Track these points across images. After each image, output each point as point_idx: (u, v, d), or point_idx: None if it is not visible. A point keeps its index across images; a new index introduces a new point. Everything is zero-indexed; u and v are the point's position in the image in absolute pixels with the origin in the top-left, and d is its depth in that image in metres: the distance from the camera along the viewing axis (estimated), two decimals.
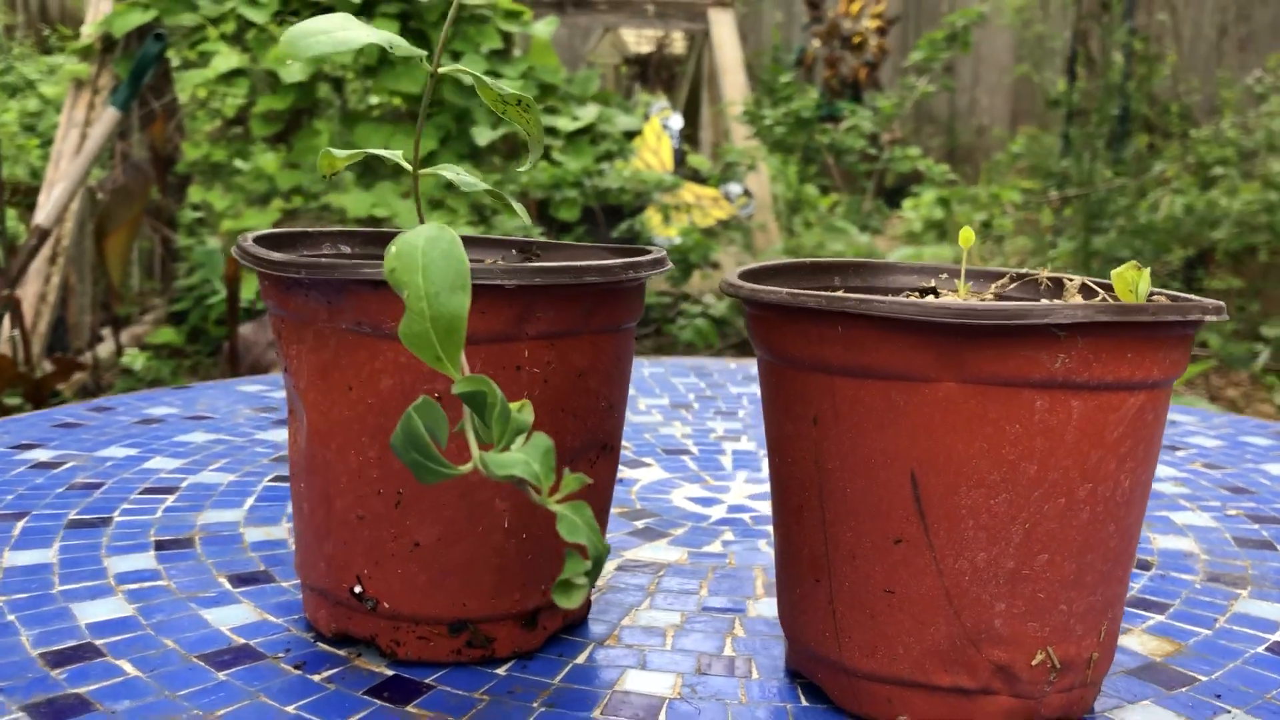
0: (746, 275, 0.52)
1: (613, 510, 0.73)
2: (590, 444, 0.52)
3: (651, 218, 3.63)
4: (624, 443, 0.89)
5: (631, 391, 1.06)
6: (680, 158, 4.31)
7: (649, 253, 0.54)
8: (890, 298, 0.43)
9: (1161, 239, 3.85)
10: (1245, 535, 0.72)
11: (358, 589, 0.50)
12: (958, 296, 0.53)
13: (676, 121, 4.43)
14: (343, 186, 3.77)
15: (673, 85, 5.47)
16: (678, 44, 5.54)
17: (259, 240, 0.54)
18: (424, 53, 0.49)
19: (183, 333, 3.36)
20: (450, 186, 3.63)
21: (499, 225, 3.28)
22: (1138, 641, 0.56)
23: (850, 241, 3.41)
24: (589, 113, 3.79)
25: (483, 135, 3.49)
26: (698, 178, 4.16)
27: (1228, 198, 3.80)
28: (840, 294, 0.44)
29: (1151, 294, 0.50)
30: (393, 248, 0.39)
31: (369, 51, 3.60)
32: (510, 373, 0.48)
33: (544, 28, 3.85)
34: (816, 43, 5.52)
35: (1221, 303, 0.45)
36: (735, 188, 3.95)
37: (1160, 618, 0.59)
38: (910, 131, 5.71)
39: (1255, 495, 0.80)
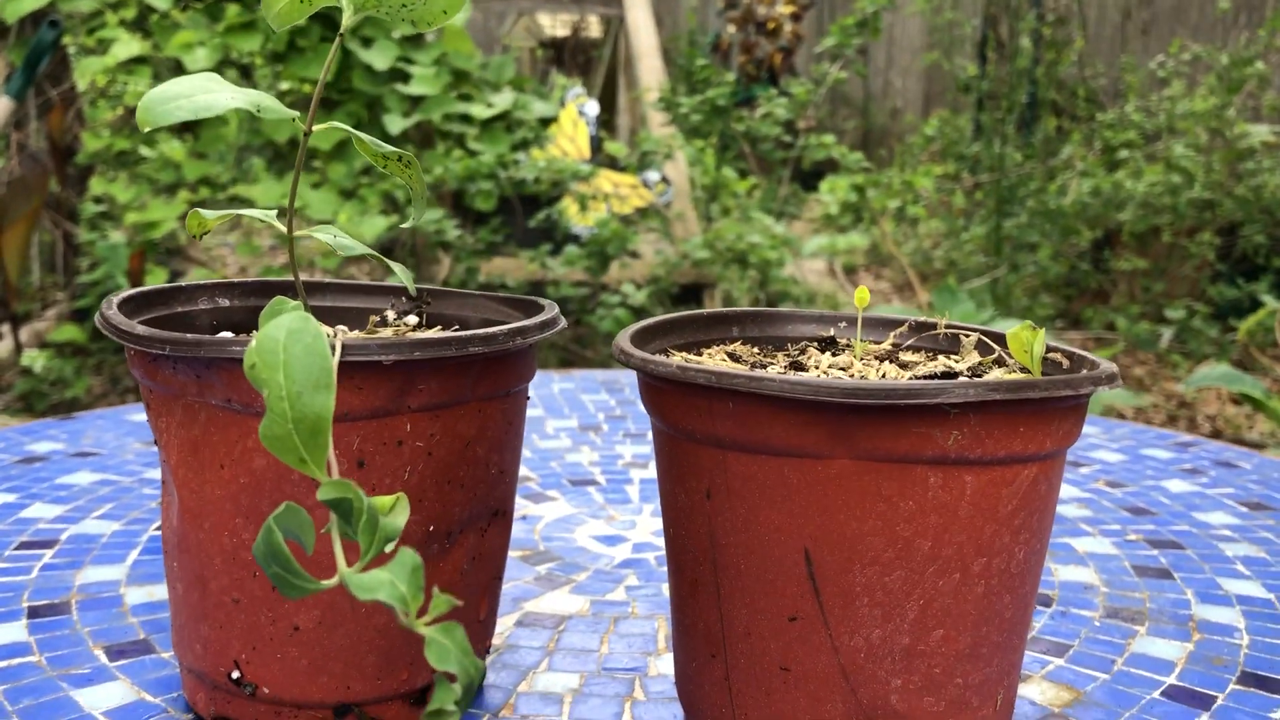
0: (638, 336, 0.50)
1: (515, 554, 0.71)
2: (480, 513, 0.50)
3: (569, 207, 3.60)
4: (530, 473, 0.87)
5: (539, 413, 1.04)
6: (597, 144, 4.27)
7: (540, 310, 0.53)
8: (780, 374, 0.42)
9: (1069, 222, 3.92)
10: (1144, 563, 0.72)
11: (236, 674, 0.48)
12: (853, 355, 0.52)
13: (592, 108, 4.39)
14: (253, 176, 3.68)
15: (589, 69, 5.42)
16: (594, 28, 5.49)
17: (125, 303, 0.51)
18: (295, 114, 0.46)
19: (86, 330, 3.25)
20: (366, 172, 3.56)
21: (413, 216, 3.22)
22: (1038, 690, 0.56)
23: (766, 230, 3.40)
24: (504, 99, 3.74)
25: (395, 124, 3.44)
26: (615, 165, 4.13)
27: (1132, 180, 3.88)
28: (730, 370, 0.43)
29: (1048, 350, 0.50)
30: (254, 341, 0.37)
31: (278, 39, 3.52)
32: (391, 448, 0.46)
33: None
34: (732, 28, 5.52)
35: (1115, 368, 0.45)
36: (653, 175, 3.93)
37: (1060, 661, 0.59)
38: (826, 114, 5.73)
39: (1155, 516, 0.81)
